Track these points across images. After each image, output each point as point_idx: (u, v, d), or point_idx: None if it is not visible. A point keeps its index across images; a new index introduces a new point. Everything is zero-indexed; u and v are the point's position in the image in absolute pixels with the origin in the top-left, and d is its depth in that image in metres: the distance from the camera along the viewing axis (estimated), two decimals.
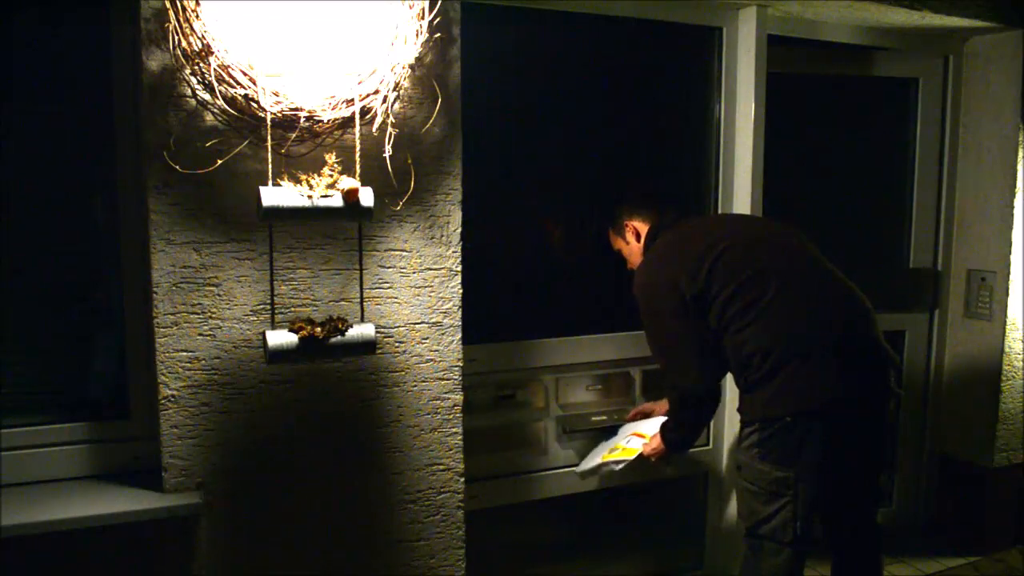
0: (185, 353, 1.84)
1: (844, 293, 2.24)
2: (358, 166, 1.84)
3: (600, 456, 2.57)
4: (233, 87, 1.76)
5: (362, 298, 1.95)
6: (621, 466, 2.50)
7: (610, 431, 2.67)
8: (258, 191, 1.72)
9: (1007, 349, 3.22)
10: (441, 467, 2.12)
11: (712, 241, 2.25)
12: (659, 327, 2.31)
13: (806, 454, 2.15)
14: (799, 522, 2.18)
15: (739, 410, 2.29)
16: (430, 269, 2.04)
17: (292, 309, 1.91)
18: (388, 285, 2.00)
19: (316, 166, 1.81)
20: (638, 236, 2.48)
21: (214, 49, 1.72)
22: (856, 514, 2.38)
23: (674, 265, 2.26)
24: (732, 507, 2.91)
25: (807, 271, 2.26)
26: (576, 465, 2.68)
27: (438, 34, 1.94)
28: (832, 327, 2.18)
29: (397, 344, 2.02)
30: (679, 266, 2.24)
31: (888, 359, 2.24)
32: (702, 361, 2.24)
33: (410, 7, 1.85)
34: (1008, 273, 3.17)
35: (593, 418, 2.72)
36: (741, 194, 2.80)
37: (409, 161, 1.96)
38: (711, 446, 2.92)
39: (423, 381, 2.07)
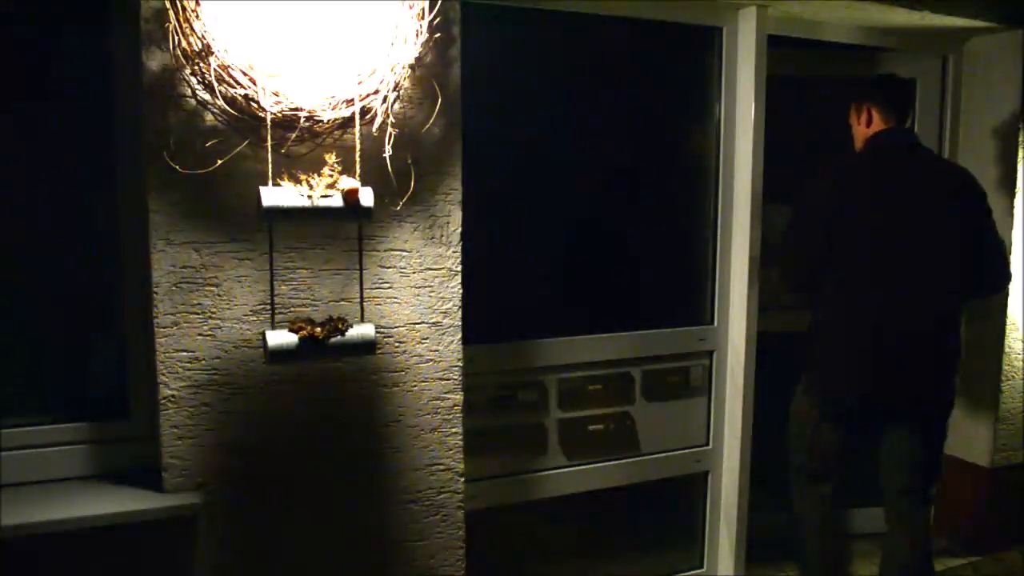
0: (185, 353, 1.84)
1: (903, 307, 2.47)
2: (358, 166, 1.84)
3: None
4: (233, 87, 1.76)
5: (362, 298, 1.95)
6: None
7: None
8: (258, 191, 1.72)
9: (1007, 349, 3.22)
10: (441, 467, 2.12)
11: (877, 232, 2.44)
12: (792, 220, 2.58)
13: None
14: (817, 456, 2.61)
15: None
16: (430, 269, 2.04)
17: (292, 309, 1.91)
18: (388, 285, 2.00)
19: (316, 166, 1.81)
20: (868, 123, 2.56)
21: (214, 49, 1.72)
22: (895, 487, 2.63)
23: (834, 201, 2.49)
24: (732, 507, 2.91)
25: (893, 283, 2.45)
26: (572, 467, 2.70)
27: (438, 34, 1.94)
28: (874, 340, 2.45)
29: (397, 344, 2.02)
30: (836, 206, 2.48)
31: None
32: (799, 263, 2.57)
33: (410, 7, 1.86)
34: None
35: (592, 420, 2.73)
36: (741, 194, 2.80)
37: (409, 161, 1.96)
38: (711, 446, 2.93)
39: (423, 381, 2.07)
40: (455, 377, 2.10)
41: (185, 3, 1.69)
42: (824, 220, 2.48)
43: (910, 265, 2.43)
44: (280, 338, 1.77)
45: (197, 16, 1.70)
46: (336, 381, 1.98)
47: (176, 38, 1.71)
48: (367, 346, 1.86)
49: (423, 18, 1.87)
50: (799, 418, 2.66)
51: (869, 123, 2.55)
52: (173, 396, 1.84)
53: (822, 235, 2.47)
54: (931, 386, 2.50)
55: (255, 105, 1.78)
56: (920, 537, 2.60)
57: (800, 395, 2.67)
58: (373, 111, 1.88)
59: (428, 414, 2.08)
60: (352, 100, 1.83)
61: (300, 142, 1.85)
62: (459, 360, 2.10)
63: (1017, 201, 3.14)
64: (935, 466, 2.63)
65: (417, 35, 1.87)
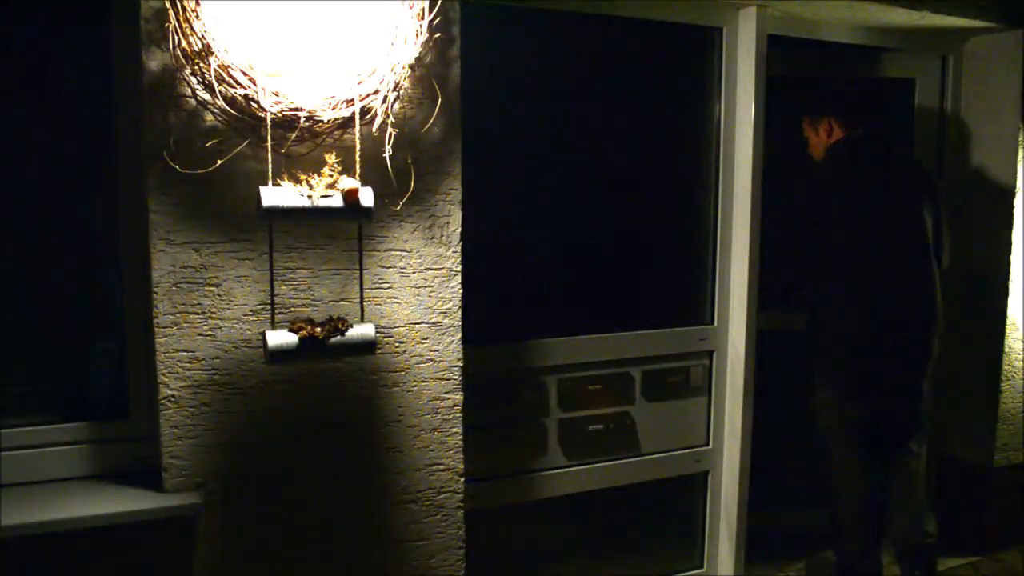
0: (185, 353, 1.84)
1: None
2: (358, 166, 1.84)
3: None
4: (233, 87, 1.76)
5: (362, 298, 1.96)
6: None
7: None
8: (258, 191, 1.72)
9: (1007, 349, 3.22)
10: (441, 467, 2.12)
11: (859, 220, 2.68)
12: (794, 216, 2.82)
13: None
14: (840, 425, 2.82)
15: None
16: (430, 269, 2.04)
17: (292, 309, 1.91)
18: (388, 285, 2.00)
19: (316, 166, 1.81)
20: (829, 133, 2.81)
21: (214, 49, 1.72)
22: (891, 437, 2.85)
23: (818, 205, 2.73)
24: (732, 507, 2.91)
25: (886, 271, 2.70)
26: (572, 467, 2.70)
27: (438, 34, 1.94)
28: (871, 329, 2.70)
29: (397, 344, 2.02)
30: (820, 214, 2.71)
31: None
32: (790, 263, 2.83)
33: (410, 7, 1.86)
34: (1008, 273, 3.17)
35: (592, 420, 2.73)
36: (741, 194, 2.80)
37: (409, 161, 1.96)
38: (711, 446, 2.93)
39: (423, 381, 2.07)
40: (455, 377, 2.10)
41: (185, 3, 1.69)
42: (813, 223, 2.73)
43: (892, 254, 2.69)
44: (280, 338, 1.77)
45: (197, 16, 1.70)
46: (336, 381, 1.98)
47: (176, 38, 1.71)
48: (367, 346, 1.86)
49: (423, 18, 1.87)
50: (825, 406, 2.86)
51: (830, 133, 2.81)
52: (173, 396, 1.84)
53: (811, 240, 2.74)
54: (919, 355, 2.77)
55: (255, 105, 1.78)
56: (908, 489, 2.82)
57: (820, 388, 2.86)
58: (373, 111, 1.88)
59: (428, 414, 2.08)
60: (352, 100, 1.83)
61: (300, 142, 1.85)
62: (459, 360, 2.10)
63: (1017, 201, 3.14)
64: (915, 419, 2.84)
65: (417, 35, 1.88)
